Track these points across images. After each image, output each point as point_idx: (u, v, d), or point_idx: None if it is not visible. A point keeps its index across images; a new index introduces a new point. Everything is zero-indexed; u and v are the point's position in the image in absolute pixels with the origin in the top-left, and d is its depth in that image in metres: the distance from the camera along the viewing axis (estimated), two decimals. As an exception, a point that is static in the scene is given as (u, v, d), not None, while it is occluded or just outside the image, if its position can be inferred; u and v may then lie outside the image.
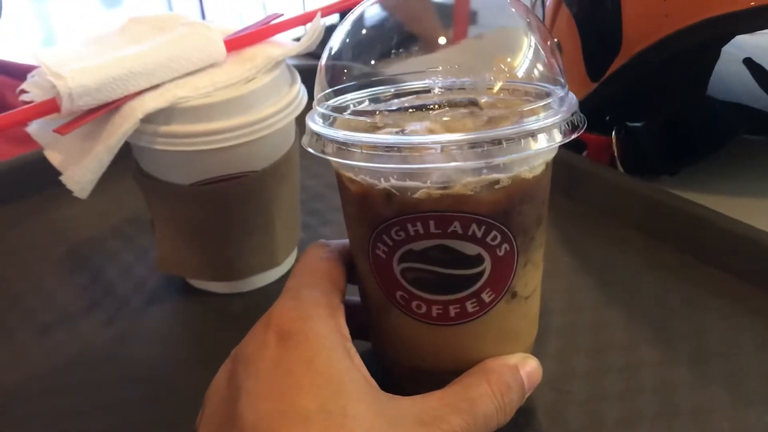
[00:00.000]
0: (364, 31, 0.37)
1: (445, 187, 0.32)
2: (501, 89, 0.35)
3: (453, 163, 0.31)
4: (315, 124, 0.34)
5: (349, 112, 0.36)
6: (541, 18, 0.66)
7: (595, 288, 0.48)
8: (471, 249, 0.33)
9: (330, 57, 0.36)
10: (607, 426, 0.38)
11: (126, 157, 0.43)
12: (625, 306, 0.46)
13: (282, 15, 0.46)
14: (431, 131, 0.33)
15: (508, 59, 0.36)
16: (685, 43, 0.49)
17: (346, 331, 0.33)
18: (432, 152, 0.31)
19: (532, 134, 0.31)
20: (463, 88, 0.36)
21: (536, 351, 0.38)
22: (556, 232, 0.52)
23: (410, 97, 0.37)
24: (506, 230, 0.33)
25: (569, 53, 0.58)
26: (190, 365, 0.42)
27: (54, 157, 0.41)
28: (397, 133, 0.33)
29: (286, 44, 0.44)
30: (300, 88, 0.45)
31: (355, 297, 0.38)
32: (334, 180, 0.36)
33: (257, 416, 0.29)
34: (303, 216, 0.50)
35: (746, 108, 0.60)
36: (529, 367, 0.34)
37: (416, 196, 0.32)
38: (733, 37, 0.54)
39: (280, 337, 0.31)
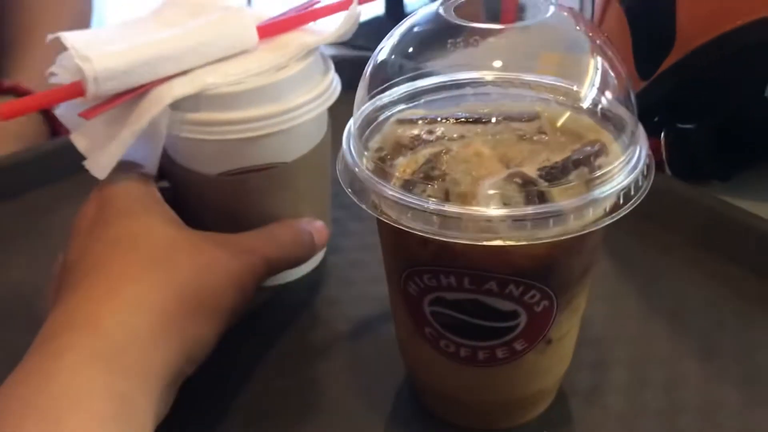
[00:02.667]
0: (416, 29, 0.35)
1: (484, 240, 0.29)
2: (563, 96, 0.33)
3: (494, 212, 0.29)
4: (349, 149, 0.33)
5: (394, 118, 0.34)
6: (590, 14, 0.63)
7: (638, 297, 0.45)
8: (506, 306, 0.31)
9: (378, 54, 0.35)
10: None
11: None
12: (669, 317, 0.43)
13: (319, 2, 0.44)
14: (478, 154, 0.31)
15: (577, 75, 0.34)
16: (746, 40, 0.46)
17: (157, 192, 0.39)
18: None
19: (594, 202, 0.29)
20: (525, 85, 0.34)
21: (572, 364, 0.37)
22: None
23: (465, 90, 0.35)
24: (547, 289, 0.31)
25: (618, 50, 0.55)
26: (208, 360, 0.39)
27: (80, 142, 0.39)
28: (440, 154, 0.31)
29: (321, 32, 0.42)
30: (333, 77, 0.43)
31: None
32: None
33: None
34: (333, 210, 0.48)
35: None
36: (317, 223, 0.42)
37: (453, 244, 0.29)
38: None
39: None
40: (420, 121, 0.34)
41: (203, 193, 0.42)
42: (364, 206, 0.31)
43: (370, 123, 0.34)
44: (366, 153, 0.32)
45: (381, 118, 0.35)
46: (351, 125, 0.34)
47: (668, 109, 0.55)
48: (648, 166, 0.31)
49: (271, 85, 0.39)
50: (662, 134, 0.55)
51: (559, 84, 0.34)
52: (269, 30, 0.42)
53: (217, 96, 0.39)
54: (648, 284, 0.46)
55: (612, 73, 0.33)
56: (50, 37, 0.39)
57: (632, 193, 0.30)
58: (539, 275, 0.31)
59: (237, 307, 0.36)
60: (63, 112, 0.41)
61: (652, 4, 0.53)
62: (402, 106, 0.35)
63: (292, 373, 0.41)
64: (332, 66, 0.43)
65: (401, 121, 0.34)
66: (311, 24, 0.43)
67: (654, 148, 0.54)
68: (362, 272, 0.47)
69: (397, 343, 0.38)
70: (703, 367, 0.39)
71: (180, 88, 0.38)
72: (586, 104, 0.33)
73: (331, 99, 0.42)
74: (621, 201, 0.30)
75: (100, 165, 0.38)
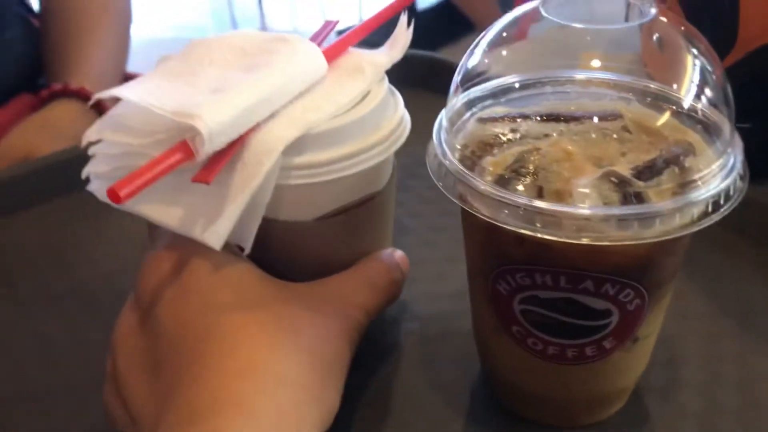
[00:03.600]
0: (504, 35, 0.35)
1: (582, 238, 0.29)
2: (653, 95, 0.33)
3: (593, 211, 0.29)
4: (440, 142, 0.33)
5: (476, 116, 0.34)
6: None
7: (704, 296, 0.45)
8: (600, 304, 0.31)
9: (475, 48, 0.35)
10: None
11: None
12: (736, 316, 0.43)
13: (338, 22, 0.42)
14: (569, 153, 0.31)
15: (671, 65, 0.34)
16: None
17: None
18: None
19: (694, 204, 0.29)
20: (605, 83, 0.34)
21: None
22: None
23: (544, 89, 0.35)
24: (641, 288, 0.31)
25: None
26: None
27: (168, 216, 0.33)
28: (530, 152, 0.31)
29: (382, 52, 0.39)
30: (395, 91, 0.40)
31: None
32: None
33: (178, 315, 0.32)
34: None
35: None
36: (398, 253, 0.39)
37: (551, 243, 0.29)
38: None
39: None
40: (502, 119, 0.33)
41: (294, 242, 0.38)
42: (455, 200, 0.31)
43: (456, 120, 0.34)
44: (457, 147, 0.32)
45: (465, 116, 0.35)
46: (442, 118, 0.34)
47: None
48: (744, 171, 0.31)
49: (370, 113, 0.36)
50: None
51: (642, 83, 0.34)
52: (330, 55, 0.38)
53: (320, 134, 0.35)
54: (712, 283, 0.46)
55: (708, 76, 0.33)
56: (114, 93, 0.33)
57: (731, 193, 0.30)
58: (635, 274, 0.31)
59: (349, 366, 0.34)
60: (95, 187, 0.35)
61: (716, 2, 0.52)
62: (484, 104, 0.35)
63: (365, 369, 0.40)
64: (387, 79, 0.40)
65: (483, 120, 0.34)
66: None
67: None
68: (426, 270, 0.46)
69: (476, 340, 0.38)
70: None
71: (288, 131, 0.33)
72: (686, 104, 0.33)
73: (409, 123, 0.39)
74: (722, 201, 0.30)
75: (219, 234, 0.32)
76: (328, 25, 0.41)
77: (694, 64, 0.34)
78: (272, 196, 0.37)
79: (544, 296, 0.32)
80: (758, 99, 0.52)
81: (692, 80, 0.33)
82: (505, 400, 0.38)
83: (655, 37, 0.35)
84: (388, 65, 0.38)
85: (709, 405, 0.38)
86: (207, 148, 0.31)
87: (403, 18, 0.39)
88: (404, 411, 0.39)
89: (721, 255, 0.48)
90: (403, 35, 0.39)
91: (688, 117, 0.32)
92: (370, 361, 0.41)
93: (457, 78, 0.35)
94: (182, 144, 0.31)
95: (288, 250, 0.38)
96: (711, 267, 0.48)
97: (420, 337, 0.43)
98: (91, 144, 0.35)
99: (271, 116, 0.34)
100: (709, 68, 0.33)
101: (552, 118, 0.33)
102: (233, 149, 0.33)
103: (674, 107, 0.33)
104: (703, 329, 0.43)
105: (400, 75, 0.39)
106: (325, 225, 0.37)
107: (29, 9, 0.91)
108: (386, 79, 0.39)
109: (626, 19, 0.34)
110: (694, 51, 0.34)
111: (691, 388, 0.39)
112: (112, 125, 0.35)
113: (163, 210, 0.34)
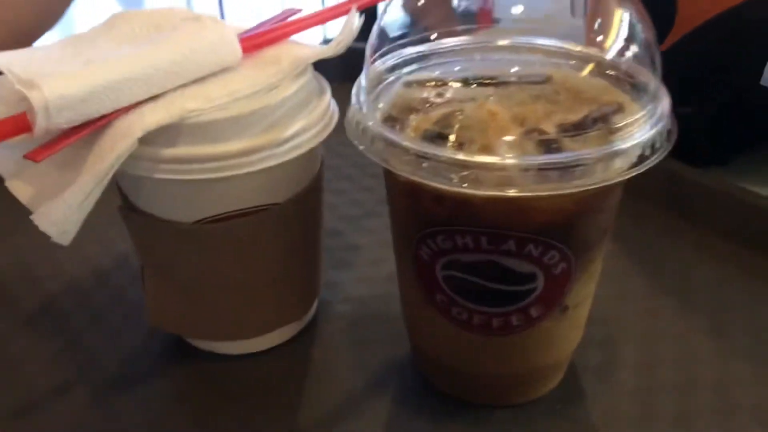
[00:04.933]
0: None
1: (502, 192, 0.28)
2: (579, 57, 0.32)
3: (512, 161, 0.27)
4: (359, 104, 0.31)
5: (402, 80, 0.32)
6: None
7: (644, 276, 0.44)
8: (524, 267, 0.30)
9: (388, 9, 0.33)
10: (662, 419, 0.35)
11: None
12: (676, 296, 0.42)
13: (300, 11, 0.38)
14: (493, 114, 0.29)
15: (600, 28, 0.33)
16: (746, 19, 0.45)
17: None
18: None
19: (616, 154, 0.28)
20: (536, 50, 0.33)
21: (582, 341, 0.36)
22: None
23: (473, 55, 0.34)
24: (566, 249, 0.30)
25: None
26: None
27: (21, 191, 0.31)
28: (453, 114, 0.30)
29: (313, 45, 0.36)
30: (330, 100, 0.36)
31: None
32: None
33: None
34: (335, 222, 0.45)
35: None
36: None
37: (472, 200, 0.28)
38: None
39: None
40: (429, 83, 0.32)
41: (176, 245, 0.34)
42: (376, 160, 0.29)
43: (377, 84, 0.32)
44: (378, 109, 0.31)
45: (389, 80, 0.33)
46: (361, 80, 0.32)
47: (666, 91, 0.54)
48: (672, 127, 0.30)
49: (263, 109, 0.32)
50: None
51: (571, 47, 0.33)
52: (253, 43, 0.35)
53: (199, 125, 0.31)
54: (653, 265, 0.45)
55: (636, 33, 0.32)
56: None
57: (656, 145, 0.29)
58: (559, 233, 0.30)
59: None
60: None
61: None
62: (409, 68, 0.34)
63: (295, 351, 0.39)
64: (328, 86, 0.36)
65: (409, 83, 0.33)
66: (295, 37, 0.36)
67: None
68: (361, 254, 0.45)
69: (403, 318, 0.37)
70: (714, 344, 0.39)
71: (153, 116, 0.30)
72: (609, 56, 0.32)
73: (331, 125, 0.35)
74: (647, 153, 0.29)
75: (51, 218, 0.29)
76: (286, 13, 0.38)
77: (624, 24, 0.33)
78: (143, 190, 0.34)
79: (466, 260, 0.31)
80: (697, 84, 0.50)
81: (622, 40, 0.32)
82: (434, 380, 0.37)
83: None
84: (311, 59, 0.35)
85: (647, 383, 0.36)
86: (42, 122, 0.28)
87: (352, 13, 0.36)
88: (329, 392, 0.37)
89: (664, 238, 0.47)
90: (350, 28, 0.35)
91: (618, 79, 0.32)
92: (300, 344, 0.39)
93: (374, 40, 0.33)
94: (20, 115, 0.29)
95: (170, 255, 0.35)
96: (653, 249, 0.46)
97: (351, 320, 0.41)
98: None
99: (153, 99, 0.31)
100: (638, 27, 0.32)
101: (480, 82, 0.32)
102: (89, 129, 0.30)
103: (604, 69, 0.32)
104: (642, 309, 0.41)
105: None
106: (204, 231, 0.34)
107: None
108: (309, 75, 0.35)
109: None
110: (626, 12, 0.33)
111: (628, 367, 0.37)
112: None
113: (21, 186, 0.31)
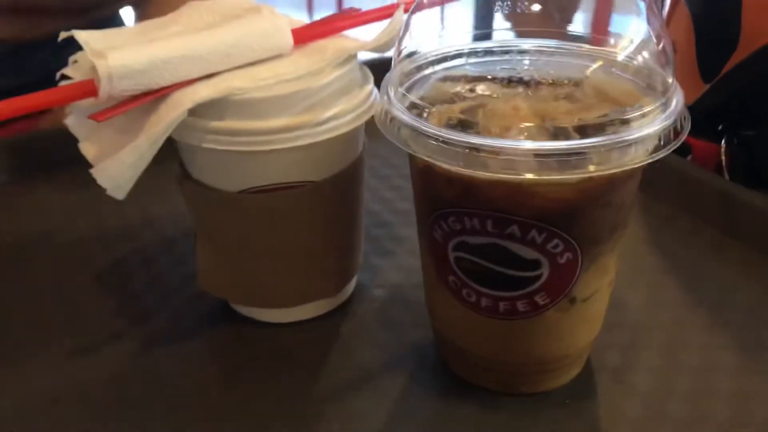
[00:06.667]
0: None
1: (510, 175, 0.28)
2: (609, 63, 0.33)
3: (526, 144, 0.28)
4: (392, 95, 0.32)
5: (438, 75, 0.34)
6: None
7: (679, 289, 0.43)
8: (528, 253, 0.31)
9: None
10: (670, 425, 0.34)
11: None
12: (709, 310, 0.41)
13: (359, 10, 0.40)
14: (516, 109, 0.30)
15: (624, 35, 0.34)
16: None
17: None
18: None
19: (629, 144, 0.28)
20: (570, 52, 0.34)
21: (604, 343, 0.37)
22: (643, 231, 0.48)
23: (509, 56, 0.35)
24: (570, 239, 0.30)
25: (682, 53, 0.54)
26: (226, 404, 0.36)
27: (89, 151, 0.35)
28: (477, 107, 0.31)
29: (361, 39, 0.38)
30: (372, 90, 0.38)
31: None
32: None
33: None
34: (372, 229, 0.46)
35: None
36: None
37: (478, 182, 0.29)
38: None
39: None
40: (463, 79, 0.34)
41: (222, 212, 0.37)
42: (395, 142, 0.31)
43: (410, 76, 0.34)
44: (410, 100, 0.32)
45: (424, 73, 0.34)
46: (392, 72, 0.34)
47: (730, 113, 0.52)
48: (684, 120, 0.30)
49: (304, 92, 0.34)
50: (723, 140, 0.52)
51: (603, 50, 0.34)
52: (305, 35, 0.37)
53: (244, 102, 0.34)
54: (693, 278, 0.44)
55: (655, 36, 0.33)
56: (64, 34, 0.35)
57: (661, 143, 0.29)
58: (562, 222, 0.30)
59: None
60: (74, 121, 0.36)
61: (718, 3, 0.50)
62: (446, 65, 0.35)
63: (321, 327, 0.41)
64: (371, 77, 0.38)
65: (445, 79, 0.34)
66: (350, 31, 0.39)
67: (714, 153, 0.51)
68: (404, 245, 0.46)
69: (425, 300, 0.37)
70: (737, 359, 0.38)
71: (203, 92, 0.33)
72: (620, 57, 0.33)
73: (370, 112, 0.37)
74: (650, 150, 0.29)
75: (108, 173, 0.33)
76: (344, 12, 0.40)
77: (641, 25, 0.34)
78: (196, 159, 0.37)
79: (474, 242, 0.31)
80: (763, 104, 0.49)
81: (635, 40, 0.33)
82: (449, 364, 0.38)
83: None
84: (354, 50, 0.37)
85: (661, 389, 0.36)
86: (105, 87, 0.32)
87: (398, 11, 0.38)
88: (349, 366, 0.39)
89: (708, 253, 0.46)
90: (395, 25, 0.37)
91: (647, 87, 0.32)
92: (331, 320, 0.41)
93: (409, 34, 0.35)
94: (88, 80, 0.32)
95: (215, 220, 0.38)
96: (695, 263, 0.46)
97: (383, 303, 0.43)
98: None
99: (207, 77, 0.35)
100: (655, 27, 0.33)
101: (513, 82, 0.33)
102: (147, 98, 0.33)
103: (630, 75, 0.33)
104: (671, 319, 0.41)
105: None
106: (246, 200, 0.36)
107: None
108: (352, 65, 0.37)
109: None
110: (644, 12, 0.33)
111: (645, 371, 0.37)
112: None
113: (89, 146, 0.35)
